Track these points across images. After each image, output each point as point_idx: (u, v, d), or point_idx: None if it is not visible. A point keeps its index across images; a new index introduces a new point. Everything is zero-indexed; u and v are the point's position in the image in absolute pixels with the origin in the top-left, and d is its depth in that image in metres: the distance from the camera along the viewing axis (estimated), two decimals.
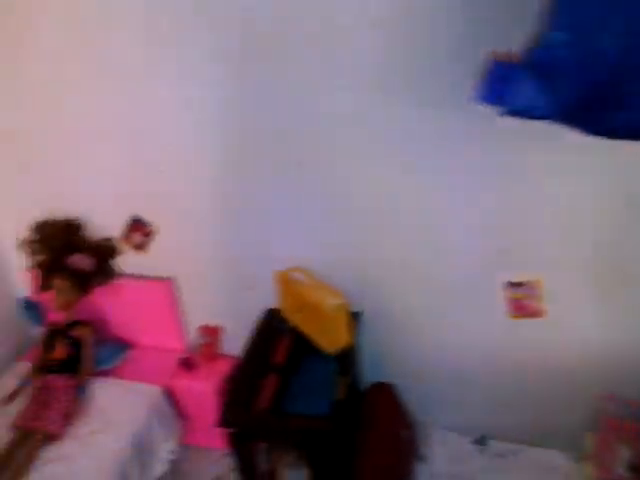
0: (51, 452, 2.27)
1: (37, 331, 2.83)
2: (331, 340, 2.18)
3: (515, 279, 2.16)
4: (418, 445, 2.54)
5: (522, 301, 2.18)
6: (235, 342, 2.68)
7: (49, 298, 2.51)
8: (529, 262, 2.13)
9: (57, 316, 2.53)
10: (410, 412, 2.55)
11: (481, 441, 2.55)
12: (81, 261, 2.44)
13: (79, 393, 2.41)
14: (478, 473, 2.43)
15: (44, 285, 2.50)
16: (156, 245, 2.54)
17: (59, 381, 2.39)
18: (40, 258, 2.49)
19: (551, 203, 2.00)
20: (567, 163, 1.90)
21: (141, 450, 2.37)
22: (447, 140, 1.97)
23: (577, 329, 2.23)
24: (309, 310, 2.27)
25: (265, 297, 2.52)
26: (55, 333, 2.49)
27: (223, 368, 2.63)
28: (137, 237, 2.49)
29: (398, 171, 2.10)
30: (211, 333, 2.58)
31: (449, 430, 2.59)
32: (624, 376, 2.24)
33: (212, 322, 2.63)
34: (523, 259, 2.13)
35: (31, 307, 2.70)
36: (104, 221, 2.53)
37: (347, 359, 2.19)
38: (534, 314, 2.20)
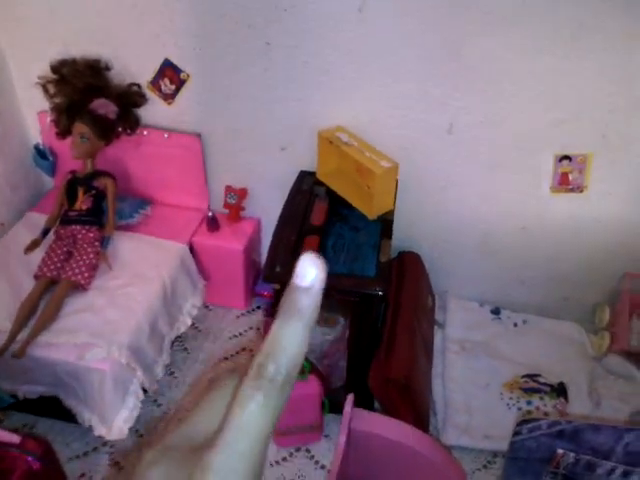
0: (78, 303, 2.22)
1: (49, 181, 2.67)
2: (375, 204, 2.15)
3: (566, 152, 2.14)
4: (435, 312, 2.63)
5: (569, 175, 2.18)
6: (259, 205, 2.62)
7: (66, 145, 2.34)
8: (582, 136, 2.12)
9: (75, 165, 2.37)
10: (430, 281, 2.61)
11: (495, 311, 2.65)
12: (105, 106, 2.25)
13: (104, 245, 2.33)
14: (492, 339, 2.55)
15: (62, 131, 2.30)
16: (184, 97, 2.37)
17: (83, 232, 2.29)
18: (59, 100, 2.28)
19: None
20: None
21: (169, 305, 2.35)
22: None
23: (612, 208, 2.27)
24: (354, 173, 2.21)
25: (296, 159, 2.44)
26: (76, 183, 2.33)
27: (247, 230, 2.58)
28: (166, 85, 2.31)
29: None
30: (239, 194, 2.50)
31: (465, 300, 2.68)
32: None
33: (237, 183, 2.53)
34: (576, 132, 2.11)
35: (44, 155, 2.52)
36: (131, 65, 2.32)
37: (390, 223, 2.17)
38: (576, 189, 2.22)
